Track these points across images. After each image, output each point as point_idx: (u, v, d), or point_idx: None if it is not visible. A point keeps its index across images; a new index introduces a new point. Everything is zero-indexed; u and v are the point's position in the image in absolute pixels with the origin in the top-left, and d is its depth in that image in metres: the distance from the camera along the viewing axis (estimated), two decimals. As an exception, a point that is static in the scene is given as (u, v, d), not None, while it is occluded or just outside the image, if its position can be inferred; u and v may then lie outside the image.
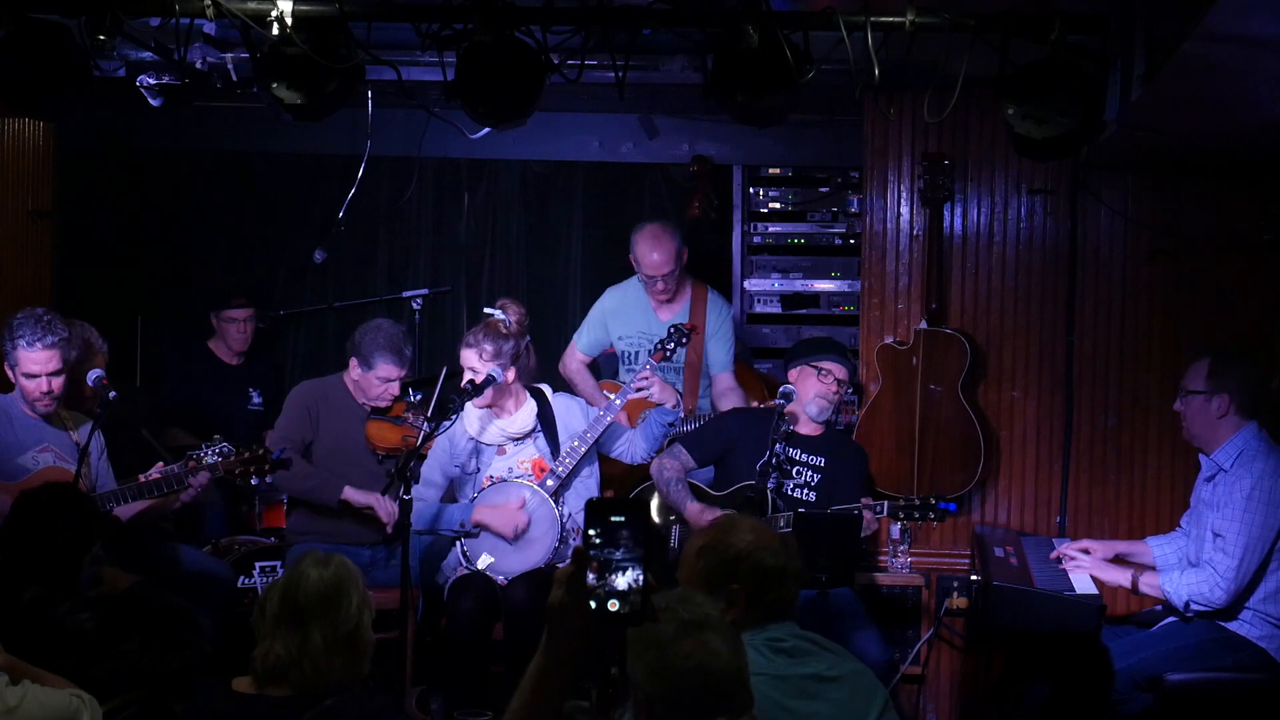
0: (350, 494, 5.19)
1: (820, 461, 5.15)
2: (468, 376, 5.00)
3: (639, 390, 5.29)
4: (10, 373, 4.81)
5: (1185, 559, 4.80)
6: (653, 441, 5.26)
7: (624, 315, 5.83)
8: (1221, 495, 4.56)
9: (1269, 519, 4.45)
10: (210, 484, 4.91)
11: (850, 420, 5.70)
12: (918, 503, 4.98)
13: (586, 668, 2.15)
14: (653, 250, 5.61)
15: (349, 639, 3.04)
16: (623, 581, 2.02)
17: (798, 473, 5.12)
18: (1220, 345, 4.86)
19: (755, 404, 5.56)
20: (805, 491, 5.11)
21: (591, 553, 2.03)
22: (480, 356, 4.99)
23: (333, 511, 5.31)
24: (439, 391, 5.15)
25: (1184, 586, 4.53)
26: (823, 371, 5.13)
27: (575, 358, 5.86)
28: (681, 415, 5.36)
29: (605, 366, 6.15)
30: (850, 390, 5.33)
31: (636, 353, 5.80)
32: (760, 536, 3.14)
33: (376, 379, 5.22)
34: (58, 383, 4.78)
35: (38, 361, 4.74)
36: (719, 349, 5.75)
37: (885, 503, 4.99)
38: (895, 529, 5.49)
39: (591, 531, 2.03)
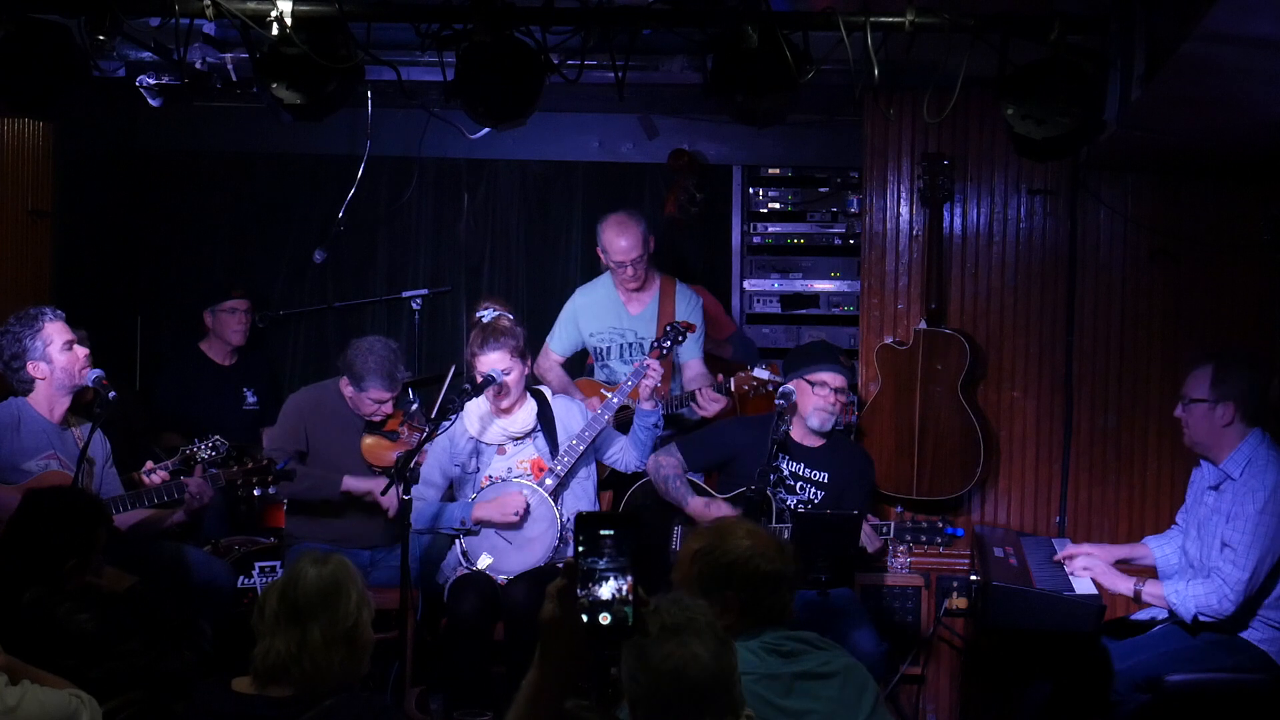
0: (350, 483, 5.26)
1: (824, 477, 5.12)
2: (495, 375, 5.01)
3: (644, 378, 5.20)
4: (42, 364, 4.75)
5: (1186, 561, 4.79)
6: (642, 448, 5.25)
7: (594, 312, 5.83)
8: (1231, 505, 4.51)
9: None
10: (213, 495, 4.91)
11: (850, 420, 5.69)
12: (925, 525, 4.97)
13: (582, 678, 2.16)
14: (619, 236, 5.63)
15: (348, 636, 3.04)
16: (606, 591, 2.02)
17: (801, 489, 5.10)
18: (1222, 351, 4.79)
19: (720, 377, 5.49)
20: (810, 509, 5.08)
21: (576, 561, 2.03)
22: (512, 354, 5.02)
23: (333, 513, 5.33)
24: (445, 392, 5.14)
25: (1191, 598, 4.49)
26: (816, 385, 5.07)
27: (549, 359, 5.85)
28: (662, 415, 5.34)
29: (579, 366, 6.13)
30: (851, 395, 5.23)
31: (608, 348, 5.81)
32: (757, 542, 3.13)
33: (368, 399, 5.25)
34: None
35: (65, 330, 4.79)
36: (687, 339, 5.67)
37: (892, 523, 4.98)
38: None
39: (579, 540, 2.04)
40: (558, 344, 5.87)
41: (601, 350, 5.83)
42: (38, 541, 3.83)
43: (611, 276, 5.78)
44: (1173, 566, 4.84)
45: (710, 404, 5.45)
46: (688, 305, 5.77)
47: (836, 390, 5.07)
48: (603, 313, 5.81)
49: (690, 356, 5.70)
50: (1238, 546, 4.43)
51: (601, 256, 5.73)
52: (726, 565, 3.10)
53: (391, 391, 5.25)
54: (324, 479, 5.27)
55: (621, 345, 5.78)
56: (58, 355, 4.76)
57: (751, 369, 5.42)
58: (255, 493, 4.96)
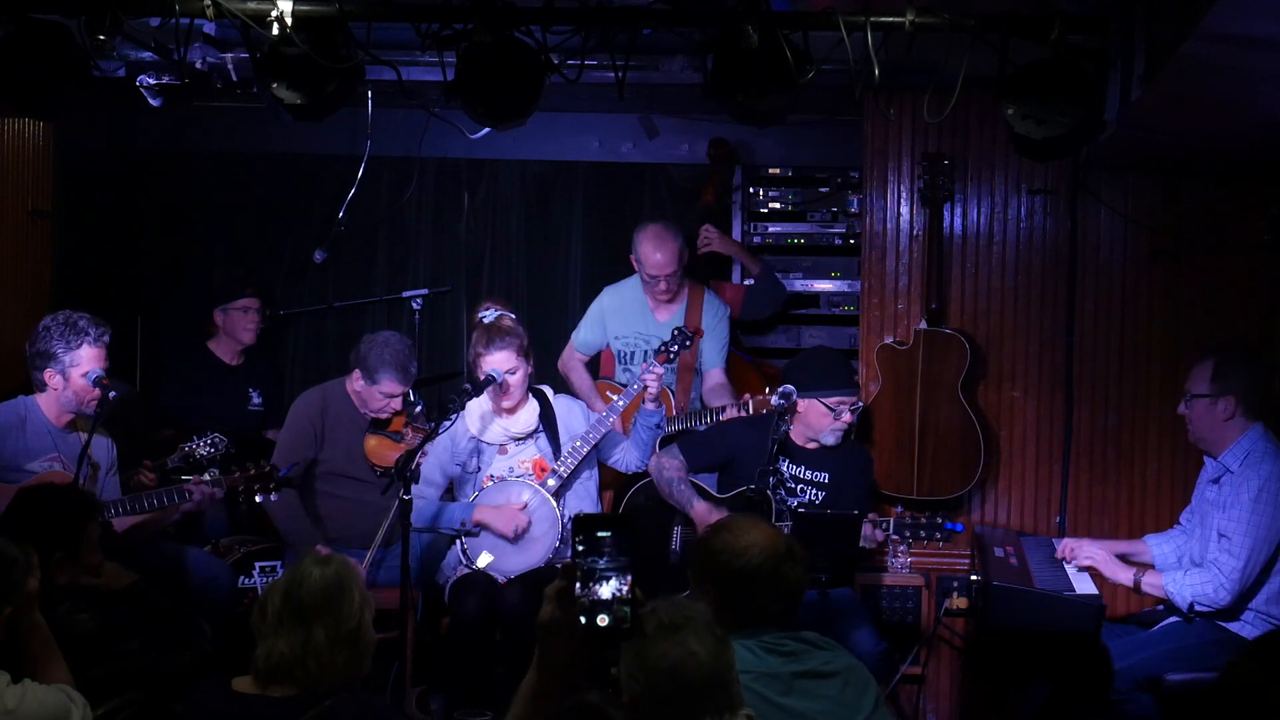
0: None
1: (825, 478, 5.12)
2: (496, 375, 4.99)
3: (645, 384, 5.20)
4: (59, 377, 4.73)
5: (1185, 558, 4.81)
6: (644, 448, 5.25)
7: (621, 315, 5.85)
8: (1228, 496, 4.55)
9: (1275, 520, 4.45)
10: (214, 498, 4.89)
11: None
12: (924, 521, 4.95)
13: (581, 679, 2.16)
14: (656, 250, 5.65)
15: (351, 636, 3.05)
16: (606, 591, 2.02)
17: (802, 491, 5.09)
18: (1224, 347, 4.83)
19: (746, 397, 5.48)
20: (811, 509, 5.07)
21: (575, 562, 2.04)
22: (517, 353, 5.02)
23: (332, 513, 5.32)
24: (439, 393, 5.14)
25: (1188, 587, 4.53)
26: (837, 411, 5.04)
27: (574, 356, 5.89)
28: (665, 417, 5.34)
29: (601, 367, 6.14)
30: (860, 404, 5.19)
31: (632, 352, 5.82)
32: (753, 541, 3.13)
33: (379, 393, 5.23)
34: None
35: (101, 358, 4.74)
36: (712, 347, 5.79)
37: (891, 520, 4.98)
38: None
39: (578, 540, 2.04)
40: (581, 341, 5.91)
41: (625, 354, 5.85)
42: (25, 536, 3.81)
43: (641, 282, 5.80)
44: (1170, 565, 4.85)
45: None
46: (715, 315, 5.79)
47: (852, 409, 5.07)
48: (630, 316, 5.84)
49: (712, 365, 5.74)
50: (1233, 535, 4.47)
51: (635, 266, 5.75)
52: (708, 556, 3.13)
53: (404, 386, 5.24)
54: (305, 534, 5.15)
55: (646, 351, 5.77)
56: (77, 379, 4.74)
57: (770, 395, 5.37)
58: (257, 499, 4.94)
